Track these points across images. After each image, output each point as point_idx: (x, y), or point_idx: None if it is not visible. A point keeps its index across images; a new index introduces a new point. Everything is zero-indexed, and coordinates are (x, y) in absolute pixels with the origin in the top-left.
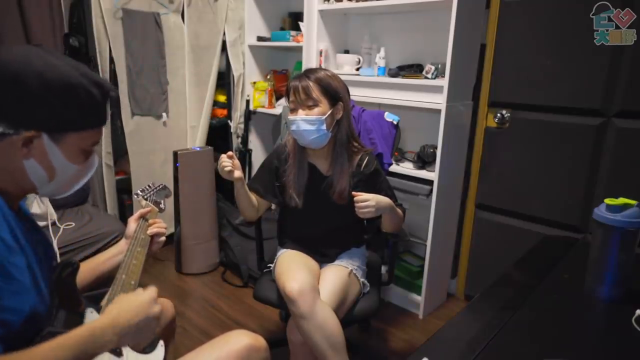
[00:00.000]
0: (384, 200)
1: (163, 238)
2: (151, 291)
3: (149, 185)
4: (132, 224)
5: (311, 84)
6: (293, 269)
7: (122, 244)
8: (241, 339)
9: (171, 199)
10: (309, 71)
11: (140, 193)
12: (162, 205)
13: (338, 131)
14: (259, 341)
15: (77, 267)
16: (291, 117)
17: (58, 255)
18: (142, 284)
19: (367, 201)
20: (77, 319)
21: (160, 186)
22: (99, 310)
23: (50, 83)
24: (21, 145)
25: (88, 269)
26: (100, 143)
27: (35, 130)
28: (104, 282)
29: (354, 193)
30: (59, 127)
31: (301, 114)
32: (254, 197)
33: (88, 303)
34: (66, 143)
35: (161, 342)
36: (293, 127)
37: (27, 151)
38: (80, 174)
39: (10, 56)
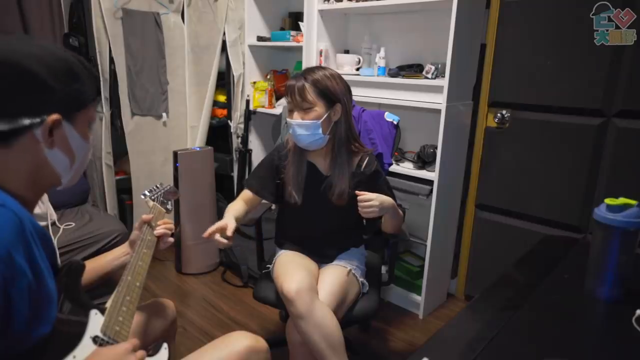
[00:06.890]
0: (388, 200)
1: (171, 239)
2: (128, 343)
3: (156, 186)
4: (136, 231)
5: (307, 85)
6: (291, 269)
7: (126, 247)
8: (242, 341)
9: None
10: (308, 71)
11: (148, 194)
12: (168, 206)
13: (336, 132)
14: (260, 342)
15: (83, 267)
16: (288, 119)
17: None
18: (145, 286)
19: (371, 200)
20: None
21: (168, 187)
22: (102, 311)
23: (53, 65)
24: (48, 135)
25: (91, 269)
26: (101, 143)
27: (56, 113)
28: (105, 283)
29: (357, 192)
30: (72, 106)
31: (297, 117)
32: (242, 206)
33: (92, 305)
34: (78, 121)
35: (165, 345)
36: (290, 130)
37: (52, 140)
38: (88, 155)
39: (1, 51)
